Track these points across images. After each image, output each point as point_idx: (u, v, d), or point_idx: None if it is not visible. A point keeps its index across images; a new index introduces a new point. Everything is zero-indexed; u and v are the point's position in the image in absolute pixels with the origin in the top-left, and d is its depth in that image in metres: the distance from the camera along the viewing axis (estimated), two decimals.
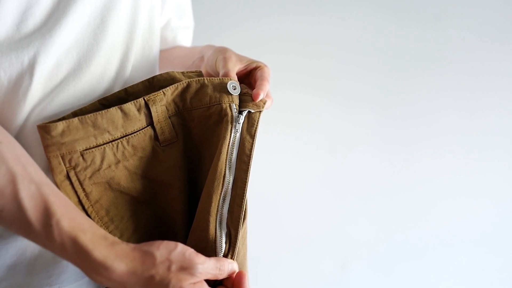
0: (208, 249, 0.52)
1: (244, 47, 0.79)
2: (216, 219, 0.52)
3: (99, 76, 0.54)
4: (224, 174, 0.53)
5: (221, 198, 0.53)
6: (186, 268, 0.47)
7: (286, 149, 1.25)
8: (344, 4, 1.21)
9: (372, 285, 1.33)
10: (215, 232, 0.52)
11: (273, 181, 1.26)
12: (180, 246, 0.48)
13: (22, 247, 0.53)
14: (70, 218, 0.45)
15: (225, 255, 0.52)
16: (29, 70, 0.49)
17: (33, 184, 0.45)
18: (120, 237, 0.54)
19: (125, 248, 0.46)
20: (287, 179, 1.27)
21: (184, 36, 0.78)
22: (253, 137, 0.54)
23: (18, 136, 0.51)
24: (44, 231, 0.44)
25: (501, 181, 1.31)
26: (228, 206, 0.53)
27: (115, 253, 0.45)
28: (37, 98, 0.50)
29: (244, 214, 0.53)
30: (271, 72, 0.62)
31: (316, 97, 1.23)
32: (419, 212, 1.31)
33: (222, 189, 0.53)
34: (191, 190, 0.58)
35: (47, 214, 0.44)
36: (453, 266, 1.34)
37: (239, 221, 0.52)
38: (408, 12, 1.22)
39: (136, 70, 0.60)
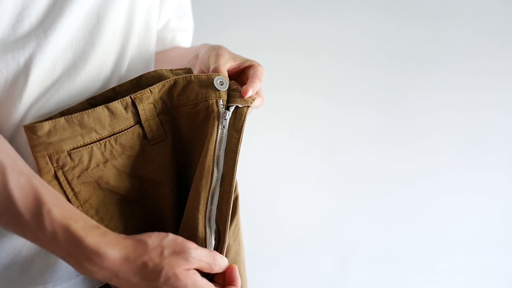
0: None
1: (242, 46, 0.79)
2: (205, 216, 0.52)
3: (95, 75, 0.55)
4: (212, 171, 0.53)
5: (209, 196, 0.52)
6: (179, 253, 0.47)
7: (285, 148, 1.24)
8: (343, 3, 1.20)
9: (372, 283, 1.32)
10: (205, 230, 0.52)
11: (272, 180, 1.25)
12: (172, 235, 0.48)
13: (18, 246, 0.53)
14: (61, 208, 0.45)
15: None
16: (25, 70, 0.49)
17: (23, 176, 0.45)
18: None
19: (117, 236, 0.46)
20: (285, 178, 1.26)
21: (183, 38, 0.77)
22: (239, 132, 0.53)
23: (14, 136, 0.51)
24: (34, 220, 0.44)
25: (501, 180, 1.29)
26: (216, 203, 0.52)
27: (107, 241, 0.45)
28: (33, 98, 0.51)
29: (234, 210, 0.53)
30: (264, 72, 0.61)
31: (315, 95, 1.23)
32: (418, 211, 1.29)
33: (210, 186, 0.52)
34: (182, 188, 0.57)
35: (37, 203, 0.44)
36: (453, 265, 1.33)
37: (227, 218, 0.51)
38: (408, 11, 1.21)
39: (132, 70, 0.60)
